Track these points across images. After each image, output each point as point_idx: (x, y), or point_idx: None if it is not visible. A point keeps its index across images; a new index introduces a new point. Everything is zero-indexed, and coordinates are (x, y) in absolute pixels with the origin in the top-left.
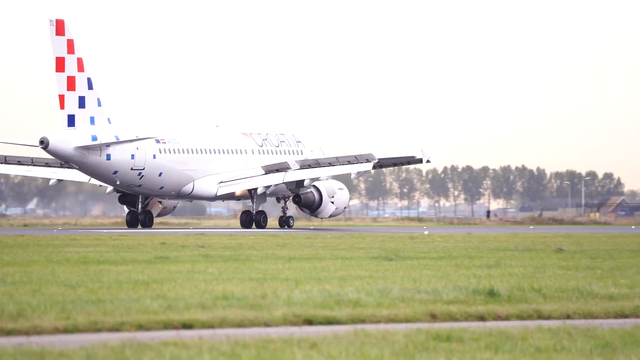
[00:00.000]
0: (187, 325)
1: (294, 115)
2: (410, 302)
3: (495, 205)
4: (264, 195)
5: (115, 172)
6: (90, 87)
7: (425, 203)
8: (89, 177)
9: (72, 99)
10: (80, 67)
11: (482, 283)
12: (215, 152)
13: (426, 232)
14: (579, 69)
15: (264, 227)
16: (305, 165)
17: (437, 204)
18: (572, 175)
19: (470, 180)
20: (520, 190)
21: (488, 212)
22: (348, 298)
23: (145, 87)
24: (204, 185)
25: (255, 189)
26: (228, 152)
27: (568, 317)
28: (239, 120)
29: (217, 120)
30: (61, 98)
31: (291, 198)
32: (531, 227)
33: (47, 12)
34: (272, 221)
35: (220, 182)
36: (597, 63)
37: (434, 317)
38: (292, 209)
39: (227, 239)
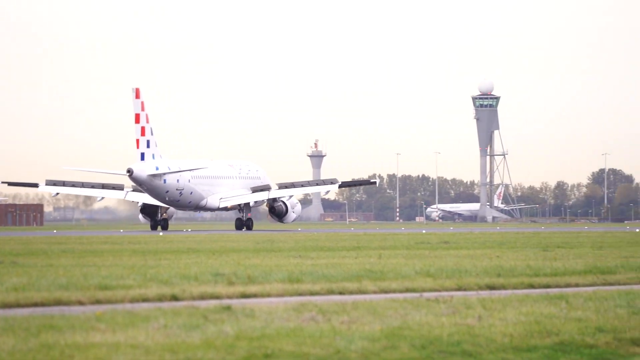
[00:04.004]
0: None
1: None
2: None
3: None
4: (249, 207)
5: (167, 192)
6: (152, 133)
7: None
8: (124, 194)
9: (143, 142)
10: (148, 120)
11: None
12: (217, 178)
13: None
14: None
15: (251, 230)
16: (283, 186)
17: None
18: None
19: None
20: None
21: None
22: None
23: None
24: (212, 201)
25: (248, 203)
26: (223, 178)
27: None
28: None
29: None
30: (137, 141)
31: (268, 209)
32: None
33: (131, 82)
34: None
35: (221, 198)
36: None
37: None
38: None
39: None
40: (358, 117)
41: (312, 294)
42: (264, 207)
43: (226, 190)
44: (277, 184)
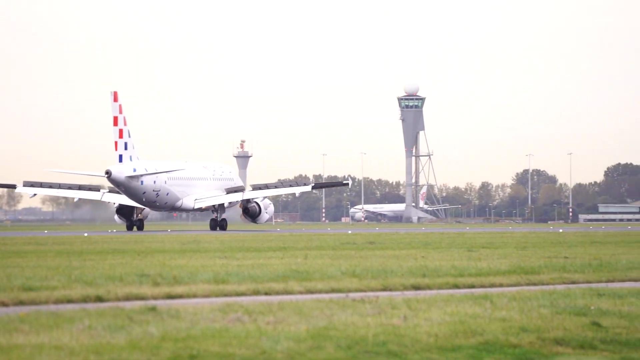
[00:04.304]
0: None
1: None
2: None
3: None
4: (223, 207)
5: (144, 193)
6: (129, 136)
7: None
8: (100, 195)
9: (121, 144)
10: (125, 123)
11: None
12: (192, 179)
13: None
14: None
15: (225, 230)
16: (257, 187)
17: None
18: None
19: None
20: None
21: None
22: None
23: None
24: (187, 201)
25: (222, 204)
26: (198, 179)
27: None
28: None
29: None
30: (116, 143)
31: (242, 210)
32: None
33: (109, 86)
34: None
35: (196, 199)
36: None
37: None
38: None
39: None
40: (285, 118)
41: (238, 294)
42: (238, 208)
43: (201, 192)
44: (251, 185)
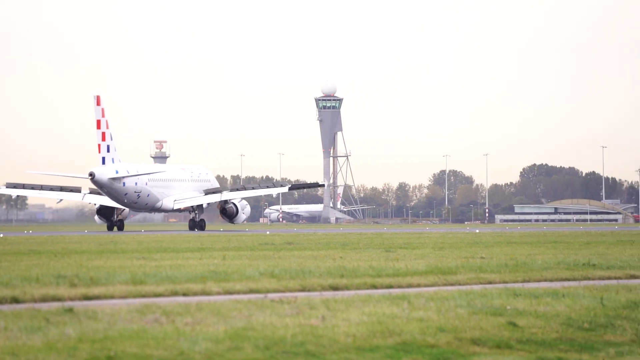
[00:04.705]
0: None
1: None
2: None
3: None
4: (202, 208)
5: (126, 194)
6: (111, 138)
7: None
8: (82, 196)
9: (104, 146)
10: (108, 126)
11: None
12: (171, 181)
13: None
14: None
15: (204, 230)
16: (234, 188)
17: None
18: None
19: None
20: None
21: None
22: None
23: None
24: (167, 202)
25: (200, 205)
26: (177, 181)
27: None
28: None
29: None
30: (99, 146)
31: (219, 210)
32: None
33: (92, 89)
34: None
35: (175, 200)
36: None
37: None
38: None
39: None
40: (202, 118)
41: (155, 295)
42: (216, 208)
43: (179, 193)
44: (229, 187)
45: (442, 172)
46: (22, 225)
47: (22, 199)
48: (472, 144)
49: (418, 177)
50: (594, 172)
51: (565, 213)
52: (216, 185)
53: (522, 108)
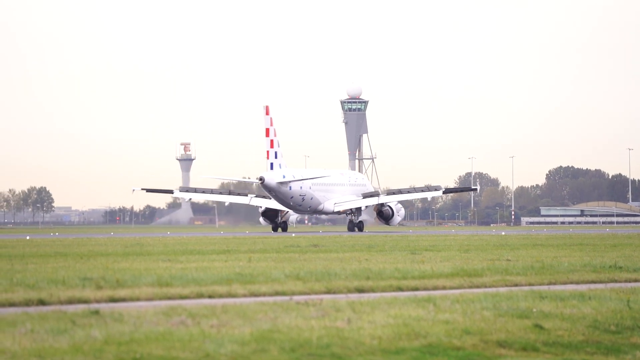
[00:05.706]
0: None
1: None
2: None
3: None
4: (360, 211)
5: (292, 197)
6: (278, 145)
7: None
8: (249, 199)
9: (272, 153)
10: (275, 134)
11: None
12: (332, 185)
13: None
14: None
15: (362, 231)
16: (391, 192)
17: None
18: None
19: None
20: None
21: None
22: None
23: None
24: (328, 205)
25: (359, 207)
26: (337, 185)
27: None
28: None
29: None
30: (267, 153)
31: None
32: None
33: (261, 100)
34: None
35: (335, 203)
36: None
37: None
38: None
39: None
40: (228, 120)
41: (181, 297)
42: (372, 211)
43: (339, 196)
44: (385, 191)
45: (468, 174)
46: (48, 227)
47: (48, 202)
48: (498, 146)
49: (443, 179)
50: (620, 174)
51: (591, 215)
52: (371, 189)
53: (546, 110)
